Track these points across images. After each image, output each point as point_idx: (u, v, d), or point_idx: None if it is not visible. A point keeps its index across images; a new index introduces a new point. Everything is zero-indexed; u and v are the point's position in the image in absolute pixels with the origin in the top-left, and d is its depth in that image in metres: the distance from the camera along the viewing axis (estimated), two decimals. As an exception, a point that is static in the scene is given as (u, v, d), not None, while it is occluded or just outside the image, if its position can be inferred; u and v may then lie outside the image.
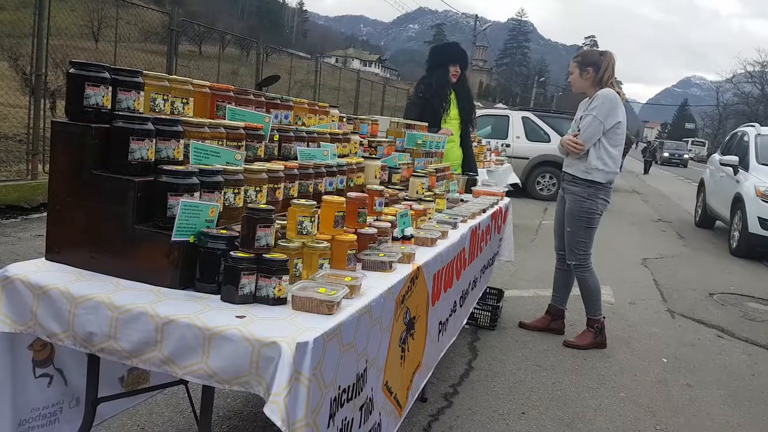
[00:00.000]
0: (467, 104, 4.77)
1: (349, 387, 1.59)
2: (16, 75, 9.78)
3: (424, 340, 2.35)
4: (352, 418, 1.62)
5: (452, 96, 4.68)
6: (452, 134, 4.66)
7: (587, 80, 3.87)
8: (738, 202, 8.16)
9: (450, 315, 2.81)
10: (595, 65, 3.84)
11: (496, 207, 3.81)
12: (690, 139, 63.36)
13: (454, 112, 4.68)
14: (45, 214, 5.97)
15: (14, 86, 9.44)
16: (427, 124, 4.21)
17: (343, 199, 1.95)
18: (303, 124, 2.66)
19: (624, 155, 17.30)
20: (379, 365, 1.85)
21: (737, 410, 3.33)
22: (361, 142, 3.05)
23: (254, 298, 1.56)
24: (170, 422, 2.54)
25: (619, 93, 3.84)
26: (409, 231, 2.37)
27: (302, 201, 1.77)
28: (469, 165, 4.91)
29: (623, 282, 5.96)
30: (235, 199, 1.76)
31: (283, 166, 2.01)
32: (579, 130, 3.84)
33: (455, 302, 2.91)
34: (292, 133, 2.36)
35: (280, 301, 1.56)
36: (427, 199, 2.95)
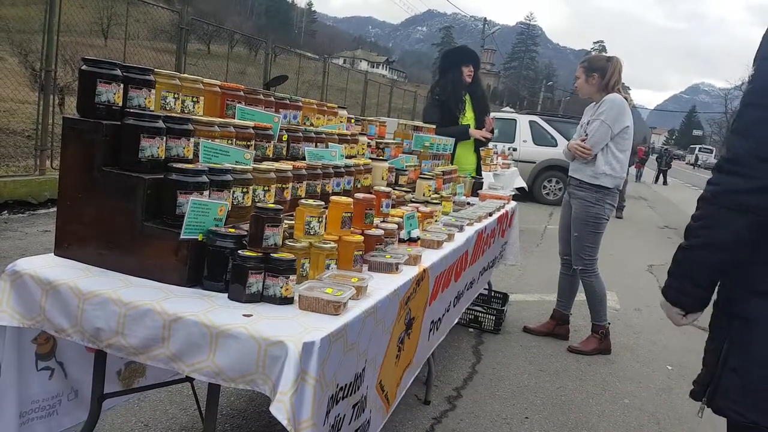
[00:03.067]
0: (482, 106, 4.75)
1: (346, 385, 1.60)
2: (26, 71, 9.84)
3: (418, 338, 2.36)
4: (344, 415, 1.62)
5: (467, 98, 4.66)
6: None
7: (593, 85, 3.87)
8: (745, 210, 8.10)
9: (443, 314, 2.81)
10: (601, 71, 3.84)
11: (502, 211, 3.80)
12: (697, 146, 63.08)
13: (469, 114, 4.66)
14: (52, 209, 6.03)
15: (23, 82, 9.49)
16: (434, 126, 4.21)
17: (350, 200, 1.95)
18: (311, 124, 2.67)
19: (643, 164, 17.04)
20: (376, 364, 1.85)
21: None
22: (368, 143, 3.05)
23: (261, 297, 1.56)
24: (174, 420, 2.54)
25: (626, 98, 3.84)
26: (415, 233, 2.37)
27: (310, 201, 1.78)
28: (477, 168, 4.90)
29: (629, 288, 5.94)
30: (243, 198, 1.77)
31: (291, 166, 2.02)
32: (586, 135, 3.83)
33: (450, 302, 2.90)
34: (300, 134, 2.37)
35: (287, 301, 1.57)
36: (434, 201, 2.95)
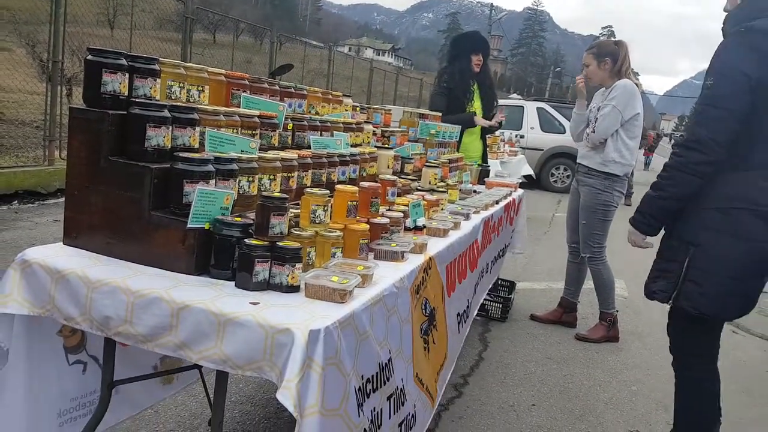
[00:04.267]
0: (490, 95, 4.71)
1: (372, 377, 1.60)
2: (33, 62, 9.87)
3: (446, 332, 2.36)
4: (381, 408, 1.62)
5: (475, 87, 4.63)
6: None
7: (605, 71, 3.83)
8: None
9: (467, 306, 2.82)
10: (612, 55, 3.80)
11: (509, 198, 3.79)
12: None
13: (477, 103, 4.62)
14: (61, 199, 6.07)
15: (31, 73, 9.53)
16: (440, 114, 4.19)
17: (355, 188, 1.95)
18: (316, 113, 2.66)
19: (651, 151, 16.70)
20: (405, 356, 1.85)
21: (751, 406, 3.30)
22: (374, 131, 3.04)
23: (268, 286, 1.57)
24: (183, 406, 2.58)
25: (636, 84, 3.80)
26: (421, 221, 2.37)
27: (315, 190, 1.78)
28: (484, 156, 4.88)
29: (637, 276, 5.90)
30: (249, 187, 1.77)
31: (296, 155, 2.02)
32: (596, 121, 3.80)
33: (470, 294, 2.91)
34: (305, 122, 2.37)
35: (293, 289, 1.57)
36: (440, 189, 2.95)
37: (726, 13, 2.25)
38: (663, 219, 2.22)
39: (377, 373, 1.63)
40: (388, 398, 1.69)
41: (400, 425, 1.76)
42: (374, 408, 1.58)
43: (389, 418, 1.68)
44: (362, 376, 1.53)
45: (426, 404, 2.00)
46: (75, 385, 1.81)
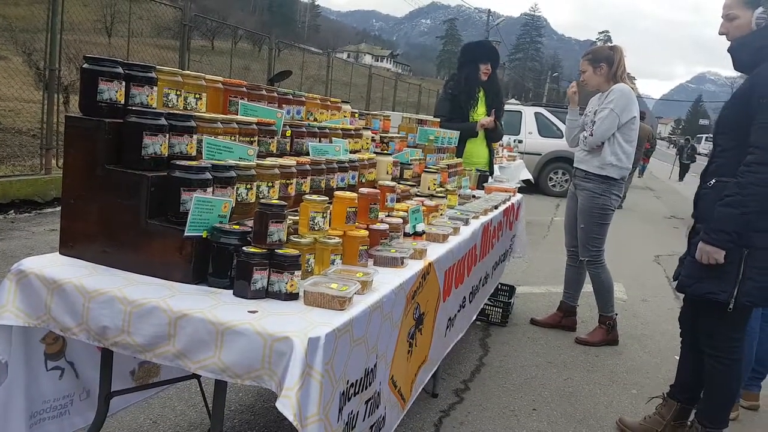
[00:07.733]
0: (496, 102, 4.69)
1: (357, 381, 1.59)
2: (30, 70, 9.86)
3: (431, 335, 2.35)
4: (357, 412, 1.62)
5: (481, 94, 4.62)
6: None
7: (601, 76, 3.83)
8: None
9: (458, 311, 2.81)
10: (607, 60, 3.81)
11: (508, 203, 3.79)
12: (704, 135, 62.75)
13: (482, 109, 4.60)
14: (58, 208, 6.03)
15: (28, 81, 9.52)
16: (439, 120, 4.19)
17: (354, 194, 1.95)
18: (315, 119, 2.66)
19: (648, 156, 16.59)
20: (387, 360, 1.85)
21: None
22: (372, 137, 3.04)
23: (266, 293, 1.56)
24: (182, 416, 2.56)
25: (632, 88, 3.81)
26: (420, 227, 2.36)
27: (314, 197, 1.77)
28: (490, 163, 4.83)
29: (636, 279, 5.91)
30: (247, 195, 1.76)
31: (295, 162, 2.01)
32: (593, 124, 3.81)
33: (464, 298, 2.90)
34: (304, 129, 2.36)
35: (292, 297, 1.57)
36: (439, 195, 2.94)
37: (735, 40, 2.55)
38: (744, 233, 2.35)
39: (362, 378, 1.62)
40: (366, 402, 1.68)
41: (371, 427, 1.75)
42: (352, 411, 1.57)
43: (363, 420, 1.67)
44: (348, 381, 1.53)
45: (395, 406, 1.99)
46: (50, 389, 1.80)
